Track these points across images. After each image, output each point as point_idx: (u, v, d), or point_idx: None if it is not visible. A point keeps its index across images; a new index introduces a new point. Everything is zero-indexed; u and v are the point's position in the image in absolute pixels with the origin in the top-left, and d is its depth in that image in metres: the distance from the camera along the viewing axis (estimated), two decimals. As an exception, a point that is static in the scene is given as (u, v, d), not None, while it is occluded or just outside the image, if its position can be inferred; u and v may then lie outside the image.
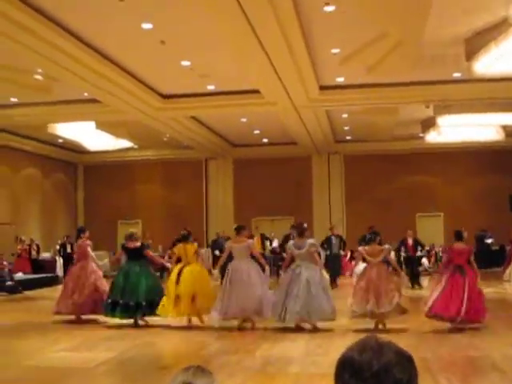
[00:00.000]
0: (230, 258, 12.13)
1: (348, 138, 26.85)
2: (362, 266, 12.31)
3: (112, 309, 11.96)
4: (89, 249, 13.19)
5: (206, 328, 11.85)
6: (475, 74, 14.36)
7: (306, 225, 12.25)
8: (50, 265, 24.66)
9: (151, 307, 11.72)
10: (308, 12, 12.14)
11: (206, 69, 16.11)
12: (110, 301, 12.02)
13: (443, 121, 20.47)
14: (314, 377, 7.68)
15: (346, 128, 24.73)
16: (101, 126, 22.30)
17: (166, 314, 11.66)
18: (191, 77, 16.76)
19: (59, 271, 24.72)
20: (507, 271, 20.79)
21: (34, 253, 24.41)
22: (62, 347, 10.09)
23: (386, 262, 12.03)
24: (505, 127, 21.91)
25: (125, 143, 25.29)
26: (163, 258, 21.78)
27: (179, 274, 11.75)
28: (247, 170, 28.50)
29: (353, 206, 27.76)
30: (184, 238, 12.43)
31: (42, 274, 23.14)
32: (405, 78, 16.96)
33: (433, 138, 22.79)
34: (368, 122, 22.52)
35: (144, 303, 11.76)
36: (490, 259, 22.81)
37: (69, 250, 25.25)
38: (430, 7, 11.50)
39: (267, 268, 12.12)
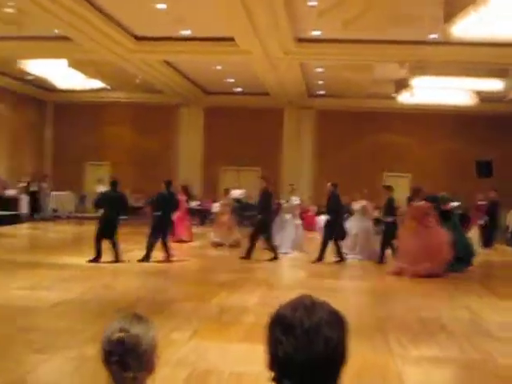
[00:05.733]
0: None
1: (321, 92, 26.74)
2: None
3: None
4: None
5: (166, 274, 11.99)
6: (452, 36, 14.28)
7: None
8: (14, 202, 24.43)
9: None
10: (287, -38, 11.95)
11: (181, 13, 15.83)
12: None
13: (417, 82, 20.44)
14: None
15: (319, 82, 24.60)
16: (72, 64, 21.88)
17: None
18: (166, 20, 16.47)
19: (24, 209, 24.56)
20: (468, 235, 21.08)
21: (-1, 189, 24.15)
22: (20, 285, 10.09)
23: None
24: (478, 93, 21.97)
25: (96, 83, 24.88)
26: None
27: None
28: (218, 118, 28.30)
29: (322, 161, 27.81)
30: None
31: (5, 211, 22.93)
32: (381, 36, 16.87)
33: (405, 98, 22.77)
34: (342, 78, 22.42)
35: None
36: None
37: (35, 187, 25.13)
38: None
39: None
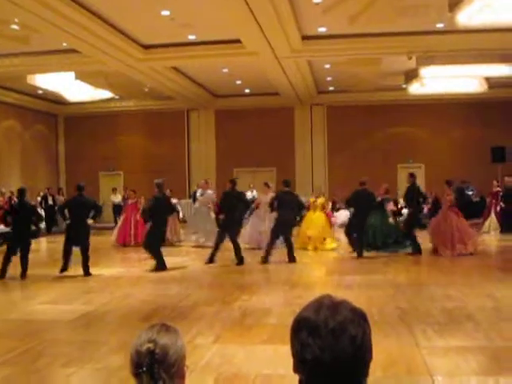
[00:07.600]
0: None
1: (331, 88, 26.70)
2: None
3: None
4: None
5: (183, 279, 12.01)
6: (458, 24, 14.23)
7: None
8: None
9: None
10: (289, -40, 11.94)
11: (186, 18, 15.86)
12: None
13: (426, 72, 20.38)
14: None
15: (328, 79, 24.58)
16: (80, 76, 21.99)
17: None
18: (172, 27, 16.52)
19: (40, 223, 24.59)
20: (486, 223, 20.98)
21: (14, 205, 24.20)
22: (42, 300, 10.12)
23: None
24: (488, 79, 21.86)
25: (105, 94, 25.01)
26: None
27: None
28: (229, 120, 28.34)
29: (335, 157, 27.77)
30: None
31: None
32: (388, 29, 16.82)
33: (415, 89, 22.71)
34: (351, 73, 22.39)
35: None
36: (470, 211, 22.95)
37: (50, 202, 25.19)
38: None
39: None
